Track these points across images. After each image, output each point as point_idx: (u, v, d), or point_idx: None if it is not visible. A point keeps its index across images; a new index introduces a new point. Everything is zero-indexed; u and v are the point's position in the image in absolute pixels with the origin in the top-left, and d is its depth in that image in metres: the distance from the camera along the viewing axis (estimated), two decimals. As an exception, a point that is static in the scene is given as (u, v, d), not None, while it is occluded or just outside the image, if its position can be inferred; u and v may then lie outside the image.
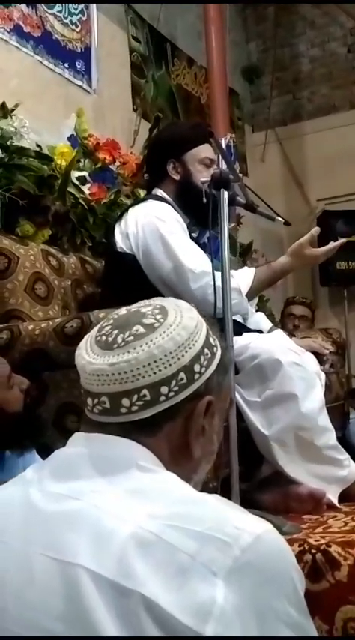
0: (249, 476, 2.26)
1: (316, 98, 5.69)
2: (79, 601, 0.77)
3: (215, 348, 0.98)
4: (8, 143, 2.78)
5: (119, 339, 0.91)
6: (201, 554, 0.78)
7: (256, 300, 2.98)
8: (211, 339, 0.98)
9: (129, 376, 0.89)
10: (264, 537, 0.81)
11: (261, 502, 2.16)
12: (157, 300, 0.99)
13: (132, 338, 0.91)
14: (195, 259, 2.33)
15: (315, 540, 1.65)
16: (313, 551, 1.61)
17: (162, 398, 0.91)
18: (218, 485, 1.99)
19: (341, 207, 5.24)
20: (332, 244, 2.46)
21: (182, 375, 0.92)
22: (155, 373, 0.90)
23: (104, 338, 0.93)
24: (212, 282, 2.12)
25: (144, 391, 0.90)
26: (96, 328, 0.97)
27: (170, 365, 0.91)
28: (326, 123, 5.50)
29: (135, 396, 0.90)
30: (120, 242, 2.48)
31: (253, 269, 2.50)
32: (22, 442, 1.83)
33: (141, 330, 0.92)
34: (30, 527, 0.85)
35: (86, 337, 0.97)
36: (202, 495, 0.88)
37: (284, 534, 1.76)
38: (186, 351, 0.92)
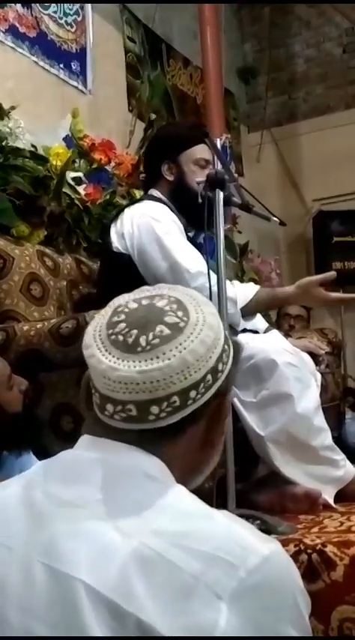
0: (245, 476, 2.26)
1: (311, 98, 5.70)
2: (75, 615, 0.75)
3: (230, 341, 0.95)
4: (3, 144, 2.78)
5: (142, 341, 0.86)
6: (205, 575, 0.75)
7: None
8: (226, 333, 0.94)
9: (161, 384, 0.85)
10: (272, 559, 0.79)
11: (257, 502, 2.15)
12: (166, 290, 0.94)
13: (158, 341, 0.86)
14: (191, 259, 2.34)
15: (311, 540, 1.65)
16: (309, 551, 1.61)
17: (190, 402, 0.87)
18: (214, 485, 1.98)
19: (337, 208, 5.25)
20: (346, 295, 2.43)
21: (209, 376, 0.89)
22: (186, 379, 0.86)
23: (121, 338, 0.87)
24: (207, 284, 2.11)
25: (174, 397, 0.86)
26: (103, 323, 0.91)
27: (200, 369, 0.87)
28: (321, 123, 5.50)
29: (165, 403, 0.86)
30: (115, 242, 2.48)
31: (257, 287, 2.45)
32: (20, 443, 1.83)
33: (166, 331, 0.86)
34: (32, 531, 0.83)
35: (92, 332, 0.91)
36: (209, 511, 0.85)
37: (280, 534, 1.76)
38: (213, 352, 0.89)
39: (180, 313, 0.89)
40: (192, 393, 0.87)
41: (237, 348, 0.97)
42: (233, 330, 2.39)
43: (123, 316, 0.89)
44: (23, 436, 1.84)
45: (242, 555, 0.77)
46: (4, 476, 1.50)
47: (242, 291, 2.40)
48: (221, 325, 0.93)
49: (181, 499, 0.86)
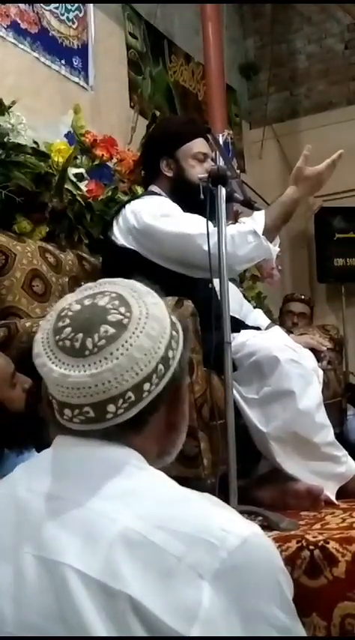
0: (247, 473, 2.26)
1: (313, 94, 5.68)
2: (69, 601, 0.77)
3: (177, 325, 0.96)
4: (5, 140, 2.77)
5: (89, 344, 0.87)
6: (187, 556, 0.78)
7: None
8: (173, 318, 0.95)
9: (113, 384, 0.86)
10: (252, 540, 0.81)
11: (258, 499, 2.16)
12: (107, 286, 0.94)
13: (104, 342, 0.87)
14: (197, 225, 2.30)
15: (313, 537, 1.65)
16: (311, 547, 1.60)
17: (145, 394, 0.89)
18: (216, 482, 1.98)
19: (339, 204, 5.23)
20: (330, 158, 2.41)
21: (160, 366, 0.90)
22: (137, 374, 0.88)
23: (69, 343, 0.88)
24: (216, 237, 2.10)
25: (129, 393, 0.88)
26: (49, 329, 0.91)
27: (150, 361, 0.89)
28: (323, 119, 5.48)
29: (121, 400, 0.88)
30: (121, 239, 2.47)
31: (263, 210, 2.41)
32: (22, 441, 1.83)
33: (111, 330, 0.87)
34: (19, 527, 0.85)
35: (40, 340, 0.91)
36: (191, 494, 0.87)
37: (282, 531, 1.76)
38: (161, 342, 0.90)
39: (122, 309, 0.89)
40: (146, 386, 0.89)
41: (186, 330, 0.98)
42: (238, 322, 2.38)
43: (67, 320, 0.90)
44: (25, 435, 1.84)
45: (222, 536, 0.79)
46: (5, 473, 1.50)
47: (254, 221, 2.36)
48: (165, 313, 0.94)
49: (161, 484, 0.88)
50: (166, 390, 0.92)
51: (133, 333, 0.88)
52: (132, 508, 0.82)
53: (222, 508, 0.86)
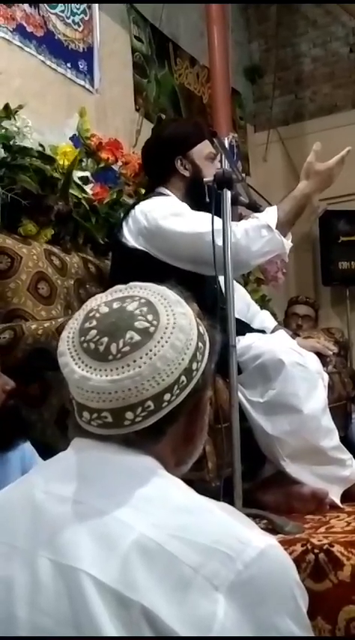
0: (252, 476, 2.26)
1: (318, 98, 5.68)
2: (83, 607, 0.77)
3: (205, 336, 0.95)
4: (11, 143, 2.78)
5: (113, 349, 0.87)
6: (203, 567, 0.77)
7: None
8: (201, 329, 0.95)
9: (133, 392, 0.86)
10: (268, 552, 0.80)
11: (263, 502, 2.16)
12: (137, 290, 0.94)
13: (128, 348, 0.86)
14: (209, 222, 2.29)
15: (318, 540, 1.65)
16: (316, 551, 1.61)
17: (165, 404, 0.89)
18: (221, 485, 1.98)
19: (344, 207, 5.23)
20: (339, 154, 2.42)
21: (183, 377, 0.90)
22: (158, 384, 0.87)
23: (93, 346, 0.88)
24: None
25: (148, 402, 0.87)
26: (76, 329, 0.91)
27: (172, 372, 0.88)
28: (328, 122, 5.48)
29: (140, 409, 0.87)
30: (132, 241, 2.45)
31: (275, 206, 2.43)
32: (6, 441, 1.80)
33: (136, 337, 0.87)
34: (35, 529, 0.85)
35: (66, 338, 0.92)
36: (208, 504, 0.86)
37: (287, 534, 1.76)
38: (185, 354, 0.90)
39: (150, 317, 0.89)
40: (167, 396, 0.88)
41: (213, 342, 0.97)
42: (243, 325, 2.37)
43: (94, 322, 0.90)
44: (8, 435, 1.80)
45: (239, 548, 0.79)
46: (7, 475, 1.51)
47: (267, 215, 2.37)
48: (194, 322, 0.93)
49: (179, 492, 0.88)
50: (187, 401, 0.91)
51: (158, 342, 0.87)
52: (149, 516, 0.81)
53: (238, 519, 0.85)
